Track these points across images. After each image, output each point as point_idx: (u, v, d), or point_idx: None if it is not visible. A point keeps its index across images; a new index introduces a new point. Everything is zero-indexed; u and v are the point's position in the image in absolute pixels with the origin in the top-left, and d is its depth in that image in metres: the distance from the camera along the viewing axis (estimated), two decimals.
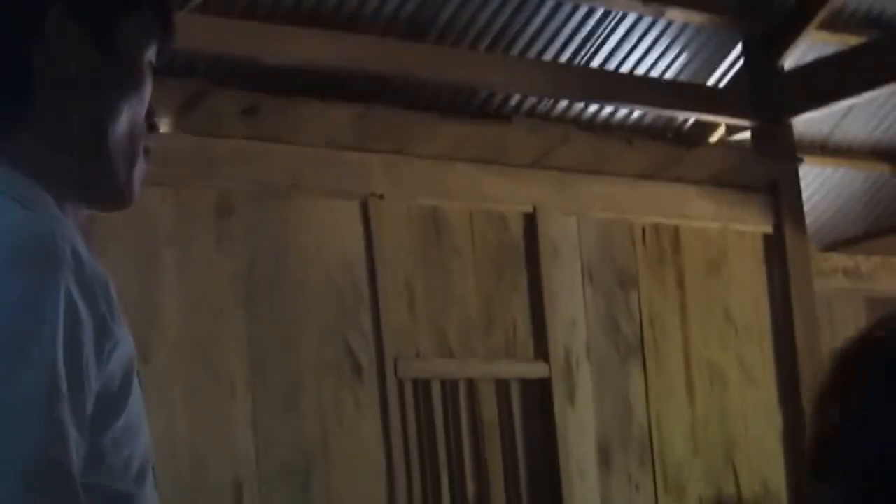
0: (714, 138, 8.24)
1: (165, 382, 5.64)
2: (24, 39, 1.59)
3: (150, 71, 1.67)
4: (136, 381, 1.61)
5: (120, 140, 1.65)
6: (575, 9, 7.17)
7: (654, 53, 7.64)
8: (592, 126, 7.73)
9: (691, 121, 8.12)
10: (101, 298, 1.54)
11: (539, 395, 7.19)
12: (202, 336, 6.18)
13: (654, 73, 7.73)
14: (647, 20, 7.33)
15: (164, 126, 6.31)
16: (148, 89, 1.67)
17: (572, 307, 7.35)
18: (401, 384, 6.69)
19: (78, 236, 1.57)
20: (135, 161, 1.68)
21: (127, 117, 1.65)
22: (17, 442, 1.46)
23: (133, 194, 1.68)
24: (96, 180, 1.66)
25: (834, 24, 7.84)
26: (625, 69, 7.61)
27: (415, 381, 6.77)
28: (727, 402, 7.71)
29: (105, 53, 1.63)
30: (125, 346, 1.61)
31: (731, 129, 8.20)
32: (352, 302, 6.69)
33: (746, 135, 8.15)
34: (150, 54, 1.69)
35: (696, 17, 7.46)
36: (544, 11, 7.13)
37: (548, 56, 7.37)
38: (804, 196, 8.16)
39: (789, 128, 7.88)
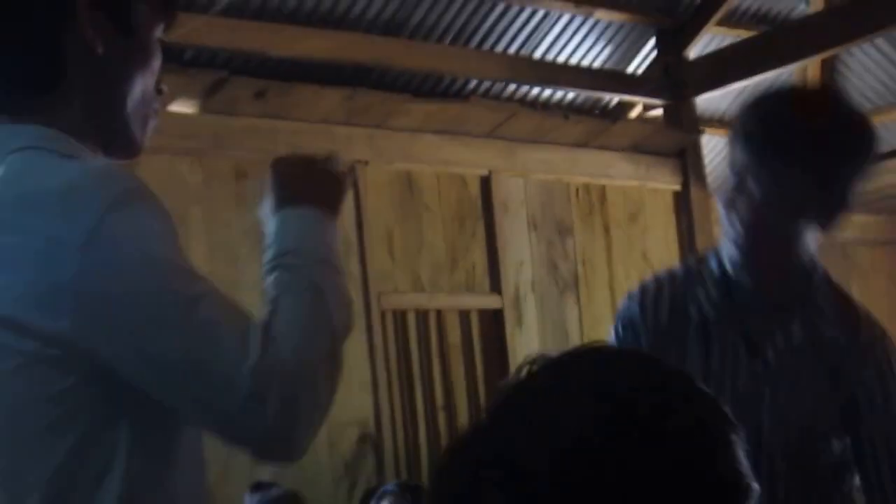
0: (633, 114, 8.28)
1: None
2: (59, 26, 1.59)
3: (158, 46, 1.69)
4: None
5: (136, 104, 1.65)
6: (521, 10, 7.22)
7: (585, 46, 7.66)
8: (535, 104, 7.78)
9: (615, 100, 8.14)
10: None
11: (494, 323, 7.30)
12: (224, 278, 6.21)
13: (585, 62, 7.76)
14: (578, 19, 7.38)
15: (191, 108, 6.43)
16: (158, 61, 1.69)
17: (520, 251, 7.47)
18: (382, 315, 6.79)
19: None
20: (147, 120, 1.70)
21: (141, 85, 1.65)
22: None
23: (142, 146, 1.71)
24: (117, 136, 1.66)
25: (730, 20, 7.88)
26: (561, 59, 7.66)
27: (394, 312, 6.88)
28: None
29: (124, 34, 1.63)
30: None
31: (647, 107, 8.17)
32: (342, 248, 6.80)
33: (659, 111, 8.20)
34: (159, 32, 1.69)
35: (618, 16, 7.47)
36: (496, 12, 7.17)
37: (499, 48, 7.42)
38: (706, 160, 8.25)
39: (693, 105, 7.97)
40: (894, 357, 2.40)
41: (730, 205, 2.30)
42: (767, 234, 2.29)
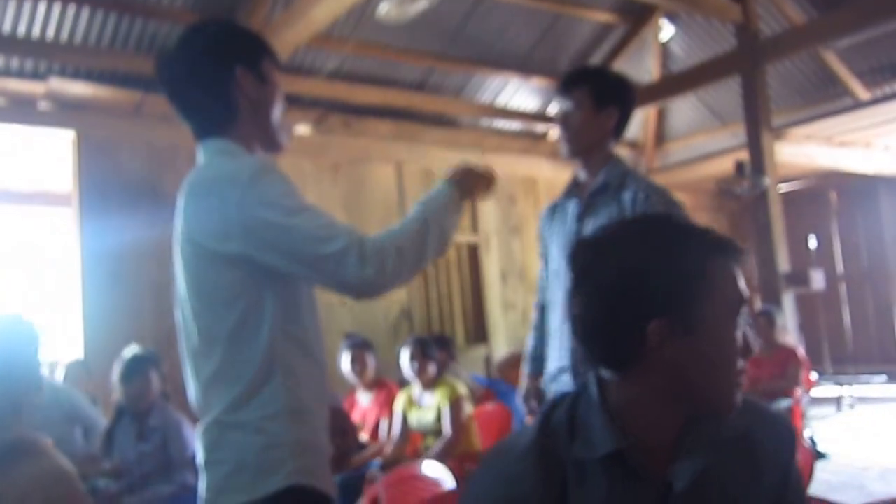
0: (552, 136, 8.27)
1: None
2: (228, 84, 1.56)
3: (280, 87, 1.65)
4: None
5: (276, 120, 1.61)
6: (491, 78, 7.29)
7: (525, 97, 7.60)
8: (498, 131, 7.76)
9: (541, 128, 8.27)
10: None
11: (474, 251, 7.43)
12: None
13: (526, 107, 7.70)
14: (523, 82, 7.43)
15: (307, 130, 6.61)
16: (282, 96, 1.65)
17: (488, 211, 7.55)
18: None
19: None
20: (284, 128, 1.65)
21: (278, 109, 1.61)
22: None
23: (285, 145, 1.66)
24: (268, 140, 1.61)
25: None
26: (512, 105, 7.61)
27: None
28: None
29: (262, 83, 1.59)
30: None
31: None
32: (393, 211, 6.79)
33: None
34: (277, 77, 1.64)
35: (543, 81, 7.40)
36: (476, 78, 7.23)
37: (477, 98, 7.43)
38: None
39: None
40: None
41: None
42: None
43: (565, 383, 2.33)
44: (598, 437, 1.03)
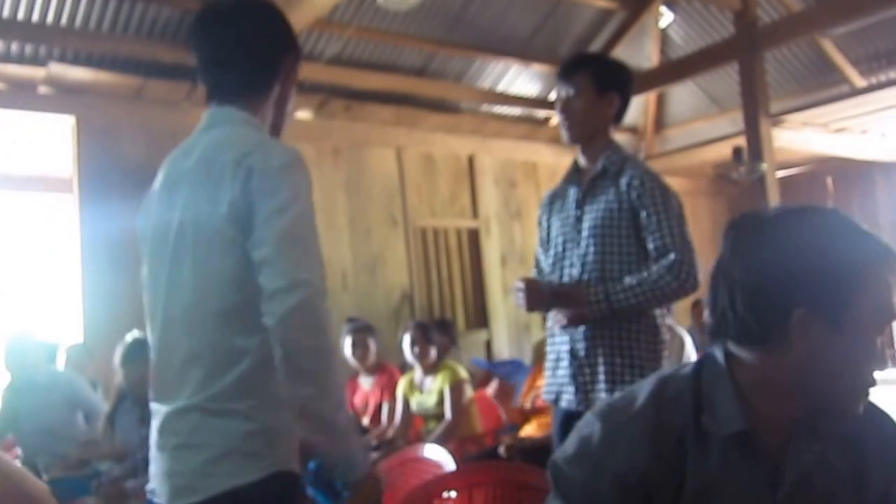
0: (553, 121, 8.12)
1: None
2: (282, 57, 1.58)
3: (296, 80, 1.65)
4: None
5: (290, 108, 1.62)
6: (491, 63, 7.17)
7: (526, 83, 7.52)
8: (498, 116, 7.65)
9: (542, 113, 8.12)
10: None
11: (474, 235, 7.32)
12: (328, 208, 6.28)
13: (526, 92, 7.60)
14: (523, 68, 7.34)
15: (308, 115, 6.50)
16: (294, 88, 1.65)
17: (489, 195, 7.44)
18: (414, 230, 6.82)
19: None
20: (290, 118, 1.65)
21: (292, 99, 1.61)
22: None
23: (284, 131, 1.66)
24: (277, 128, 1.60)
25: None
26: (513, 90, 7.49)
27: (422, 229, 6.91)
28: None
29: (293, 72, 1.60)
30: None
31: None
32: (394, 193, 6.74)
33: None
34: (296, 74, 1.62)
35: (544, 67, 7.30)
36: (477, 63, 7.13)
37: (479, 84, 7.33)
38: None
39: None
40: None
41: None
42: None
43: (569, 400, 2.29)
44: (727, 413, 1.03)
